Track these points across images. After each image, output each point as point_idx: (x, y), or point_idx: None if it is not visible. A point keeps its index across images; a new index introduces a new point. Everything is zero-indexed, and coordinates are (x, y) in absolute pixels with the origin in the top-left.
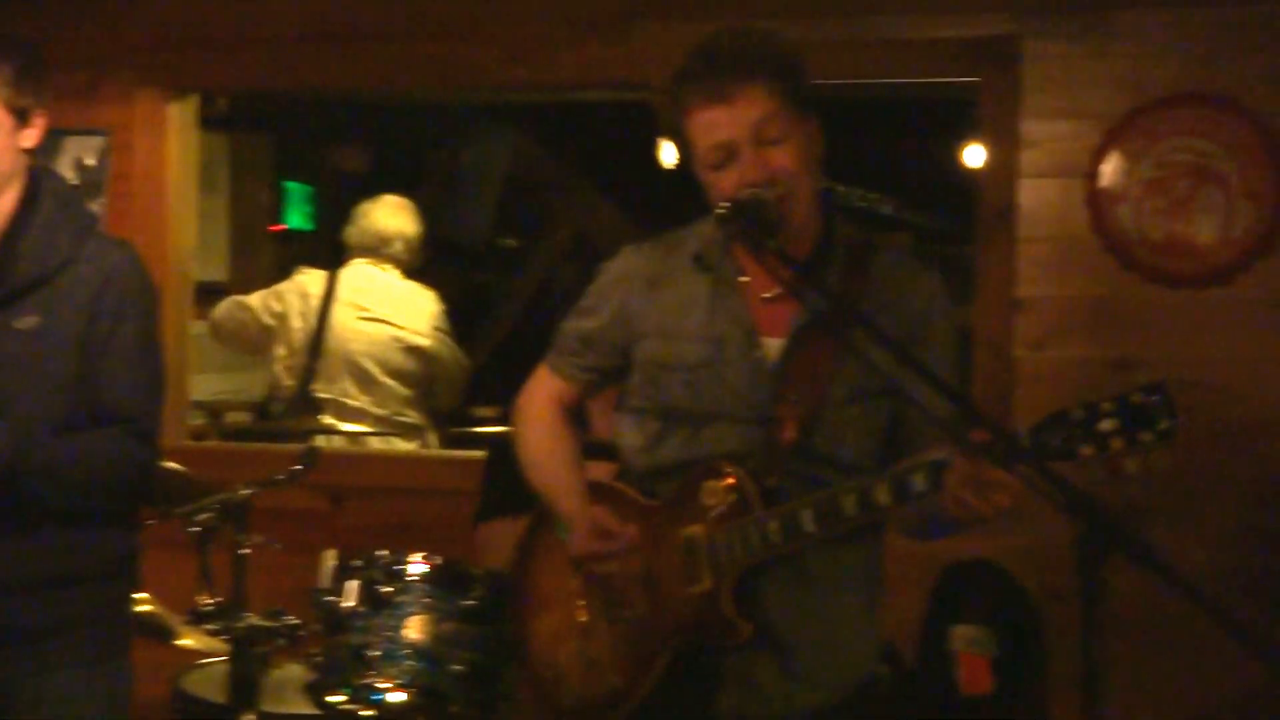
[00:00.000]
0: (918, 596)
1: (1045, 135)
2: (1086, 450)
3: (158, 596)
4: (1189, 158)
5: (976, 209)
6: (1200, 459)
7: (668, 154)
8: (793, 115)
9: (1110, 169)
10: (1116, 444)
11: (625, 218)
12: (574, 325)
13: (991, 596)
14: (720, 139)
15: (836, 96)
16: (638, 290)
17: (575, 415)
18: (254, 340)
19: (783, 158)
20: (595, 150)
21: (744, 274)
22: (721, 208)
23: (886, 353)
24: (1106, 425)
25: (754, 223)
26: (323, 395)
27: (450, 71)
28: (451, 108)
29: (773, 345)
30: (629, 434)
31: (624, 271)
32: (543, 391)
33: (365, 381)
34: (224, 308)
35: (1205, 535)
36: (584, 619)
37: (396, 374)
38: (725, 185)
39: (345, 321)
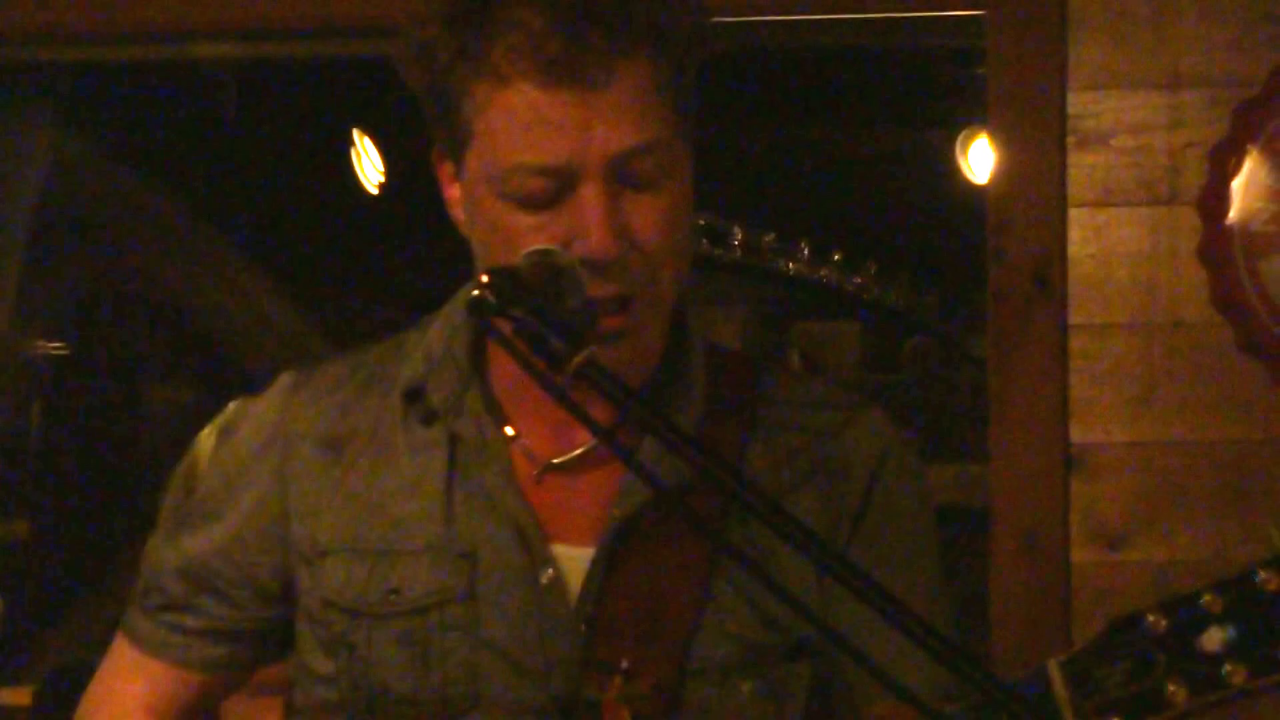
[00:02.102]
0: None
1: (1117, 121)
2: (1179, 692)
3: None
4: None
5: (986, 268)
6: None
7: (370, 166)
8: (684, 134)
9: (1247, 186)
10: (1236, 674)
11: (283, 297)
12: (172, 550)
13: None
14: (554, 159)
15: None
16: (304, 462)
17: None
18: None
19: (655, 216)
20: (219, 163)
21: (508, 422)
22: (478, 284)
23: (801, 569)
24: (1214, 640)
25: (542, 316)
26: None
27: None
28: None
29: (573, 560)
30: None
31: (276, 425)
32: (123, 694)
33: None
34: None
35: None
36: None
37: None
38: (537, 242)
39: None
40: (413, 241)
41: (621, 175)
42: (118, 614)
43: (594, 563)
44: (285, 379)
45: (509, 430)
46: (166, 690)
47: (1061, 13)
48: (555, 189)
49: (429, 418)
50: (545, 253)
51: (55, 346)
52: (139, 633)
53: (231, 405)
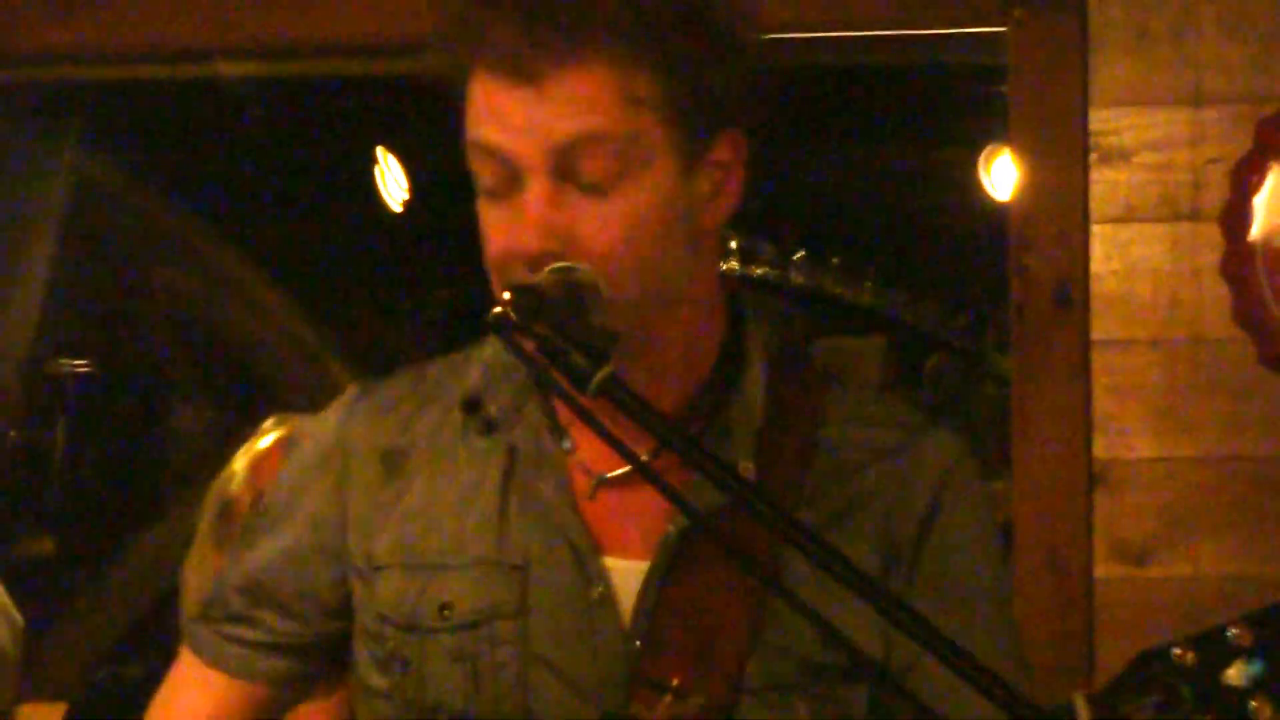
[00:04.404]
0: None
1: (1138, 137)
2: None
3: None
4: None
5: (1010, 285)
6: None
7: (394, 184)
8: (664, 133)
9: (1269, 202)
10: (1263, 710)
11: (307, 316)
12: (234, 563)
13: None
14: (498, 142)
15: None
16: (363, 476)
17: None
18: None
19: (603, 222)
20: (242, 182)
21: (567, 436)
22: (500, 301)
23: (859, 592)
24: (1241, 675)
25: (564, 332)
26: None
27: None
28: None
29: (626, 574)
30: None
31: (336, 439)
32: (186, 705)
33: None
34: None
35: None
36: None
37: None
38: (493, 238)
39: None
40: (437, 259)
41: (567, 172)
42: (138, 627)
43: (648, 577)
44: (348, 393)
45: (566, 444)
46: (229, 702)
47: (1083, 29)
48: (507, 178)
49: (487, 428)
50: (567, 269)
51: (80, 364)
52: (202, 645)
53: (267, 422)
